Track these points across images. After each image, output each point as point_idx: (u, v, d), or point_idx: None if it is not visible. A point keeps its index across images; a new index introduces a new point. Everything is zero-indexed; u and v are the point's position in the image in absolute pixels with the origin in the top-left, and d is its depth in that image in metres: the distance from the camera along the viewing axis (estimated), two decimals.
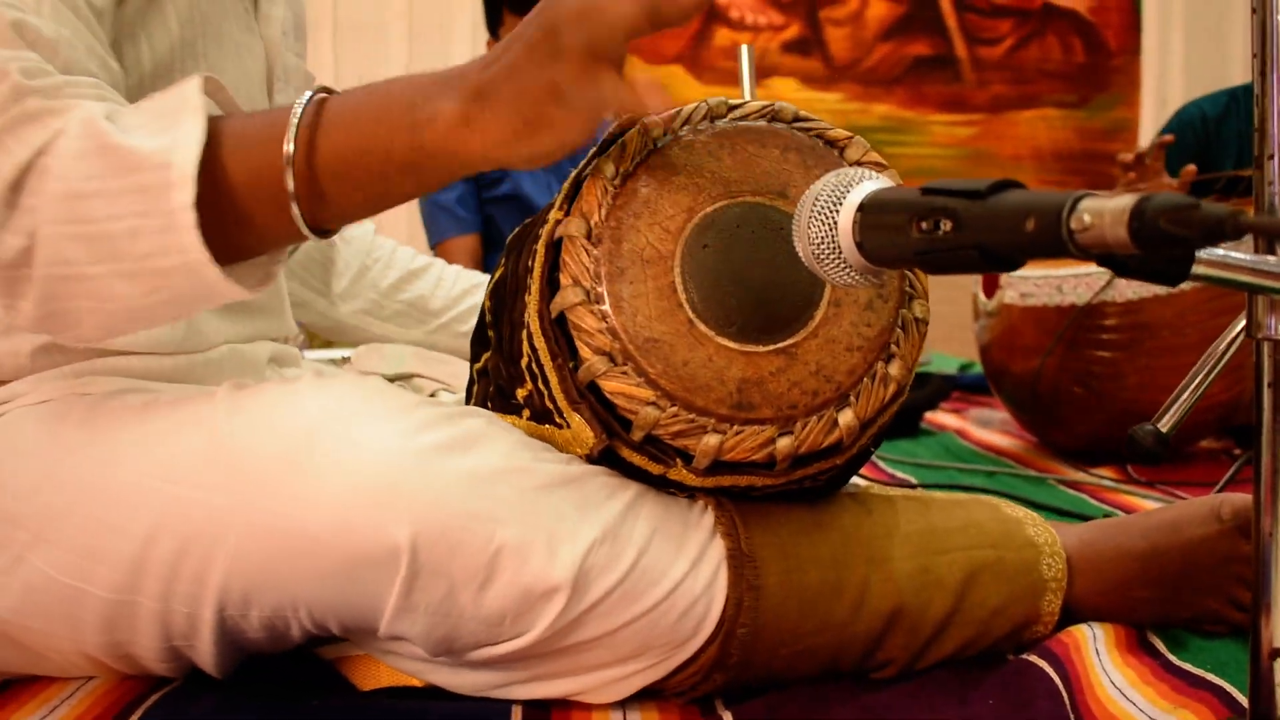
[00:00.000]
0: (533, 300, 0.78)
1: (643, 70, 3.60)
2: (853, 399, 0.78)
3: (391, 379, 1.34)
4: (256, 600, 0.77)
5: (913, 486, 1.78)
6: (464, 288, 1.51)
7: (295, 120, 0.74)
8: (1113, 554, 0.96)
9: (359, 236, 1.45)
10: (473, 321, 1.38)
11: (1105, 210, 0.49)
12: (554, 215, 0.79)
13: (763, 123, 0.81)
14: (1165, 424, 0.98)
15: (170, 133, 0.72)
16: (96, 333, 0.78)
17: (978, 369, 3.28)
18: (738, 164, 0.79)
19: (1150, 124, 3.80)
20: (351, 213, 0.78)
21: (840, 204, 0.65)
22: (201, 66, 0.99)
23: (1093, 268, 1.85)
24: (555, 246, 0.78)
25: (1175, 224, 0.48)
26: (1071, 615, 0.92)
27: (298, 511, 0.75)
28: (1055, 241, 0.52)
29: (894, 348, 0.79)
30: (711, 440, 0.75)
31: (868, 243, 0.64)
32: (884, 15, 3.70)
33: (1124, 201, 0.49)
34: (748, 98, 1.51)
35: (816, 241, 0.66)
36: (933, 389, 2.45)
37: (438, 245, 2.92)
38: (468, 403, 1.06)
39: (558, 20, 0.73)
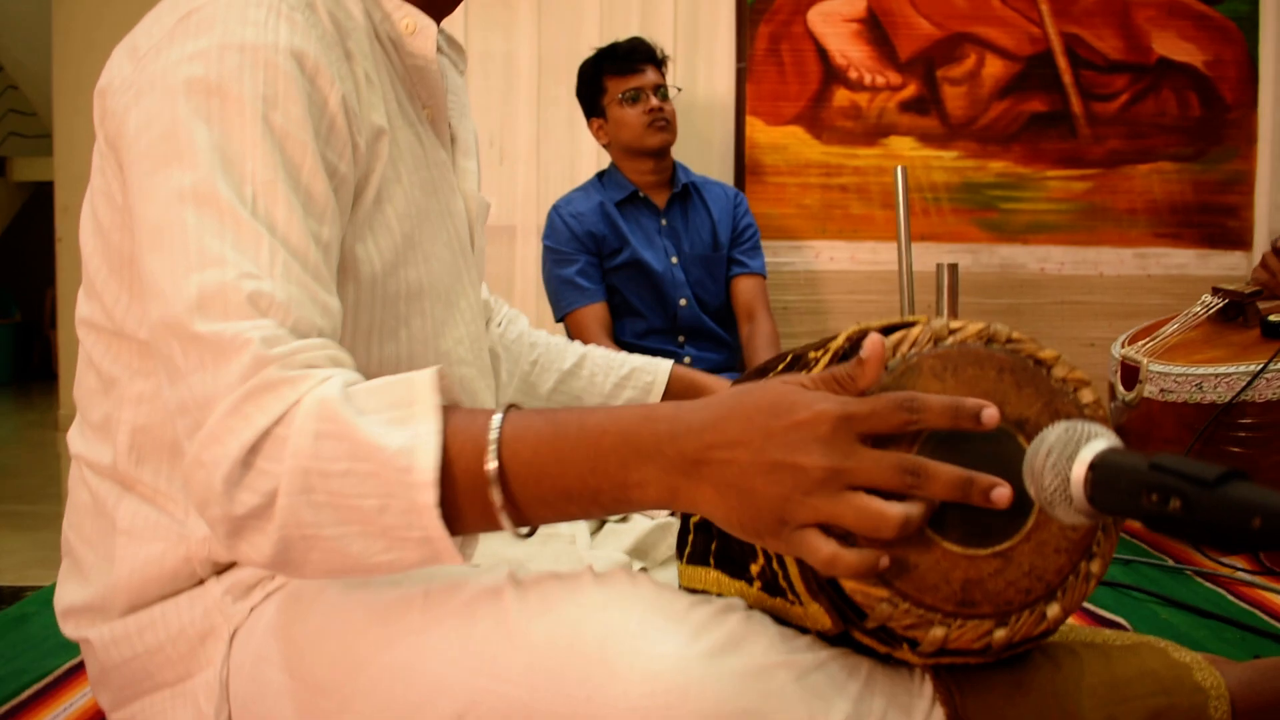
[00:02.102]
0: None
1: (764, 132, 3.70)
2: (1060, 594, 0.88)
3: None
4: None
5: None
6: (614, 382, 1.62)
7: (493, 440, 0.84)
8: (1273, 697, 1.05)
9: (516, 341, 1.57)
10: None
11: None
12: None
13: (980, 345, 0.91)
14: None
15: (408, 428, 0.82)
16: (321, 575, 0.88)
17: None
18: (960, 385, 0.89)
19: (1266, 176, 3.82)
20: (553, 520, 0.88)
21: (1073, 460, 0.75)
22: (419, 255, 1.12)
23: (1232, 367, 1.94)
24: None
25: None
26: None
27: (596, 711, 0.86)
28: (1278, 542, 0.62)
29: (1095, 548, 0.89)
30: (937, 632, 0.86)
31: (1098, 498, 0.74)
32: (1000, 73, 3.76)
33: None
34: (901, 215, 1.62)
35: (1049, 490, 0.77)
36: None
37: (566, 317, 3.06)
38: (680, 551, 1.17)
39: (801, 437, 0.79)
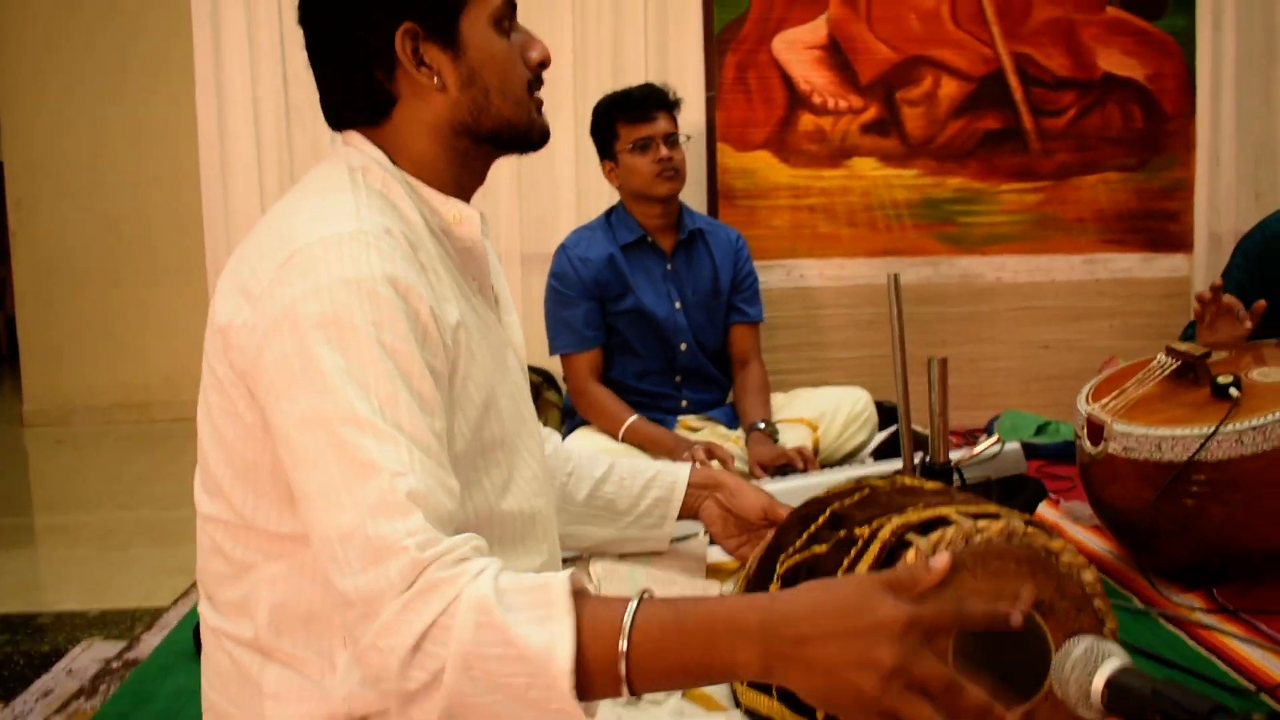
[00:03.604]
0: None
1: (734, 157, 3.87)
2: None
3: None
4: None
5: None
6: (642, 484, 1.84)
7: (628, 627, 1.02)
8: None
9: (553, 456, 1.77)
10: (656, 514, 1.74)
11: None
12: None
13: (1003, 541, 1.11)
14: None
15: (547, 628, 1.02)
16: None
17: (1055, 433, 3.57)
18: (988, 575, 1.10)
19: (1204, 182, 4.05)
20: (664, 689, 1.08)
21: (1092, 676, 0.95)
22: (493, 415, 1.33)
23: (1187, 429, 2.16)
24: None
25: None
26: None
27: None
28: None
29: None
30: None
31: (1112, 707, 0.95)
32: (955, 94, 3.96)
33: None
34: (894, 319, 1.83)
35: (1073, 697, 0.97)
36: (1030, 494, 2.71)
37: (561, 356, 3.17)
38: None
39: (880, 637, 0.96)
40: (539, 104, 1.42)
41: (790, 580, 1.26)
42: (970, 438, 3.81)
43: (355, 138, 1.35)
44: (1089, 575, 1.15)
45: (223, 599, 1.29)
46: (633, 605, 1.04)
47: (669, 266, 3.22)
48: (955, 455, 2.37)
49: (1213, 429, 2.14)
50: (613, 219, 3.24)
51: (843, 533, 1.25)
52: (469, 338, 1.28)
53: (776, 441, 3.03)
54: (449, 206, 1.34)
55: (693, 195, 3.80)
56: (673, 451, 2.88)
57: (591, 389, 3.11)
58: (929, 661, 0.98)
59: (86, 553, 3.43)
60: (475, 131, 1.35)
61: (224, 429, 1.24)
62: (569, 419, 3.30)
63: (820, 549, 1.26)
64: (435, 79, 1.32)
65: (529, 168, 3.80)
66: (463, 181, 1.39)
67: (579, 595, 1.05)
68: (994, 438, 2.50)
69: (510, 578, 1.06)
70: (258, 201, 3.74)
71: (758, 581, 1.34)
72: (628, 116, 3.12)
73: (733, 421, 3.24)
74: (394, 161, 1.33)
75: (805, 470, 2.85)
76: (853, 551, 1.16)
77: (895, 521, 1.18)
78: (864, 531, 1.20)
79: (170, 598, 2.85)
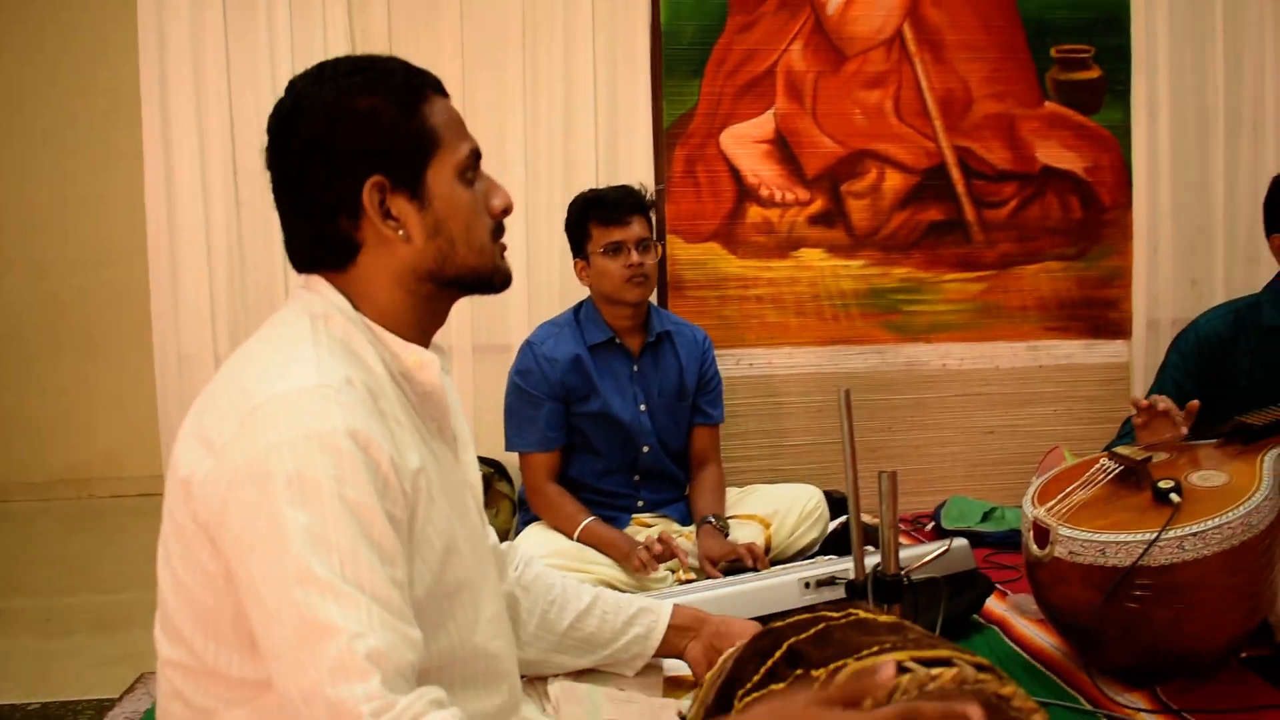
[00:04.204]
0: None
1: (684, 249, 3.93)
2: None
3: None
4: None
5: None
6: (624, 621, 1.86)
7: None
8: None
9: (535, 581, 1.79)
10: (634, 650, 1.76)
11: None
12: None
13: (955, 688, 1.14)
14: None
15: None
16: None
17: (1001, 519, 3.63)
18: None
19: (1142, 270, 4.16)
20: None
21: None
22: (454, 559, 1.36)
23: (1130, 535, 2.22)
24: None
25: None
26: None
27: None
28: None
29: None
30: None
31: None
32: (899, 186, 4.06)
33: None
34: (845, 434, 1.87)
35: None
36: (979, 591, 2.76)
37: (520, 454, 3.15)
38: None
39: None
40: (503, 249, 1.46)
41: None
42: (918, 524, 3.87)
43: (318, 283, 1.38)
44: (1039, 719, 1.19)
45: None
46: None
47: (635, 368, 3.22)
48: (907, 554, 2.42)
49: (1155, 534, 2.20)
50: (581, 317, 3.21)
51: (800, 671, 1.28)
52: (429, 484, 1.31)
53: (727, 536, 3.06)
54: (409, 352, 1.37)
55: None
56: (626, 557, 2.90)
57: (548, 488, 3.10)
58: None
59: (25, 641, 3.36)
60: (439, 278, 1.39)
61: (184, 576, 1.26)
62: (522, 512, 3.31)
63: (778, 686, 1.29)
64: (401, 230, 1.35)
65: None
66: (424, 325, 1.42)
67: None
68: (941, 545, 2.55)
69: None
70: (206, 287, 3.74)
71: (716, 714, 1.36)
72: (601, 218, 3.11)
73: (686, 519, 3.26)
74: (356, 307, 1.36)
75: (755, 568, 2.88)
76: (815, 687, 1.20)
77: (852, 667, 1.21)
78: (821, 674, 1.23)
79: (117, 688, 2.81)
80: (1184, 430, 2.62)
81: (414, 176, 1.36)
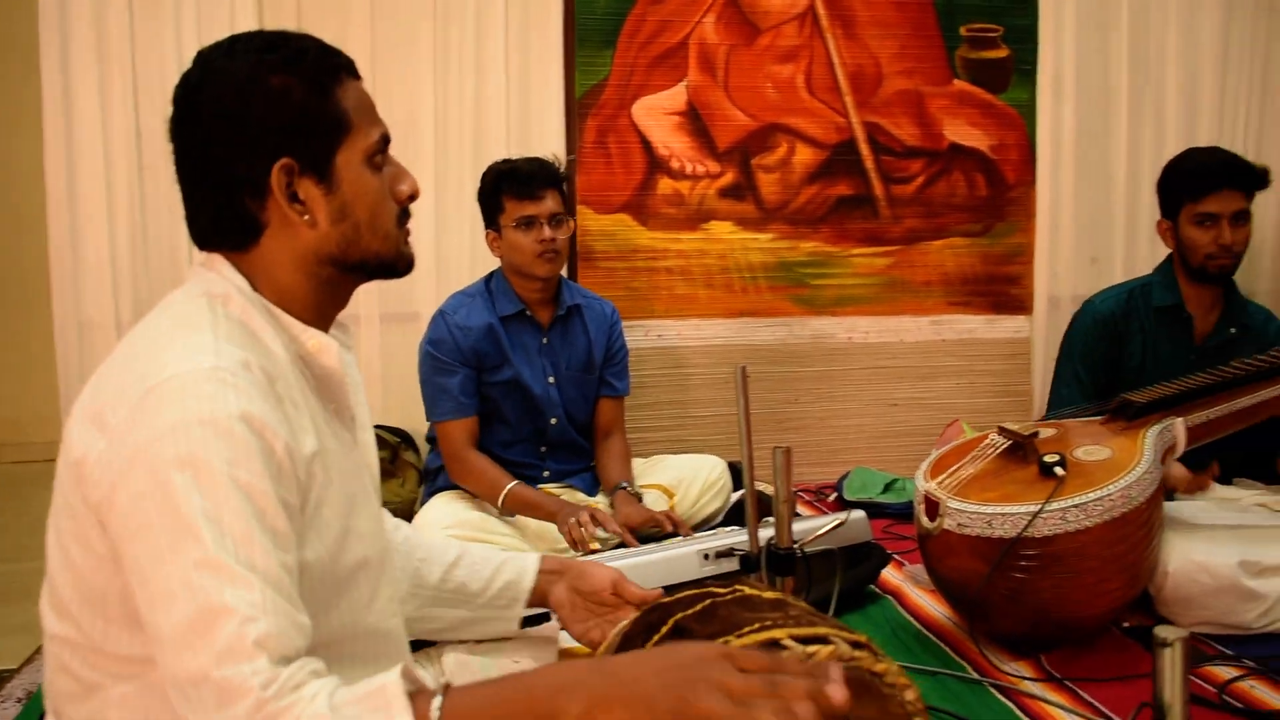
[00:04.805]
0: None
1: (594, 220, 3.94)
2: None
3: None
4: None
5: None
6: (493, 569, 1.86)
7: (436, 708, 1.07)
8: None
9: (404, 543, 1.80)
10: (508, 596, 1.79)
11: None
12: None
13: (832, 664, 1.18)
14: None
15: None
16: None
17: (903, 491, 3.72)
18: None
19: (1044, 248, 4.26)
20: None
21: None
22: (351, 539, 1.38)
23: (1015, 507, 2.31)
24: None
25: None
26: None
27: None
28: None
29: None
30: None
31: None
32: (809, 161, 4.11)
33: None
34: (741, 411, 1.91)
35: None
36: (875, 562, 2.83)
37: (438, 424, 3.15)
38: None
39: (707, 664, 1.05)
40: (407, 234, 1.46)
41: None
42: (821, 495, 3.94)
43: (218, 262, 1.37)
44: (911, 695, 1.23)
45: (70, 717, 1.31)
46: (438, 699, 1.09)
47: (545, 340, 3.24)
48: (803, 527, 2.48)
49: (1039, 506, 2.29)
50: (493, 288, 3.22)
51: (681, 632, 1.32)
52: (326, 467, 1.32)
53: (641, 502, 3.10)
54: (309, 336, 1.37)
55: None
56: (554, 515, 2.93)
57: (469, 456, 3.10)
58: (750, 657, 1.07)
59: None
60: (342, 263, 1.39)
61: (74, 555, 1.26)
62: (428, 482, 3.32)
63: None
64: (307, 214, 1.35)
65: None
66: (325, 309, 1.42)
67: (414, 694, 1.10)
68: (837, 518, 2.61)
69: (345, 692, 1.11)
70: (108, 253, 3.68)
71: None
72: (515, 191, 3.09)
73: (592, 488, 3.29)
74: (256, 288, 1.36)
75: (676, 532, 2.93)
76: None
77: (733, 644, 1.25)
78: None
79: (15, 659, 2.78)
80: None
81: (323, 160, 1.35)
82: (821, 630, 1.27)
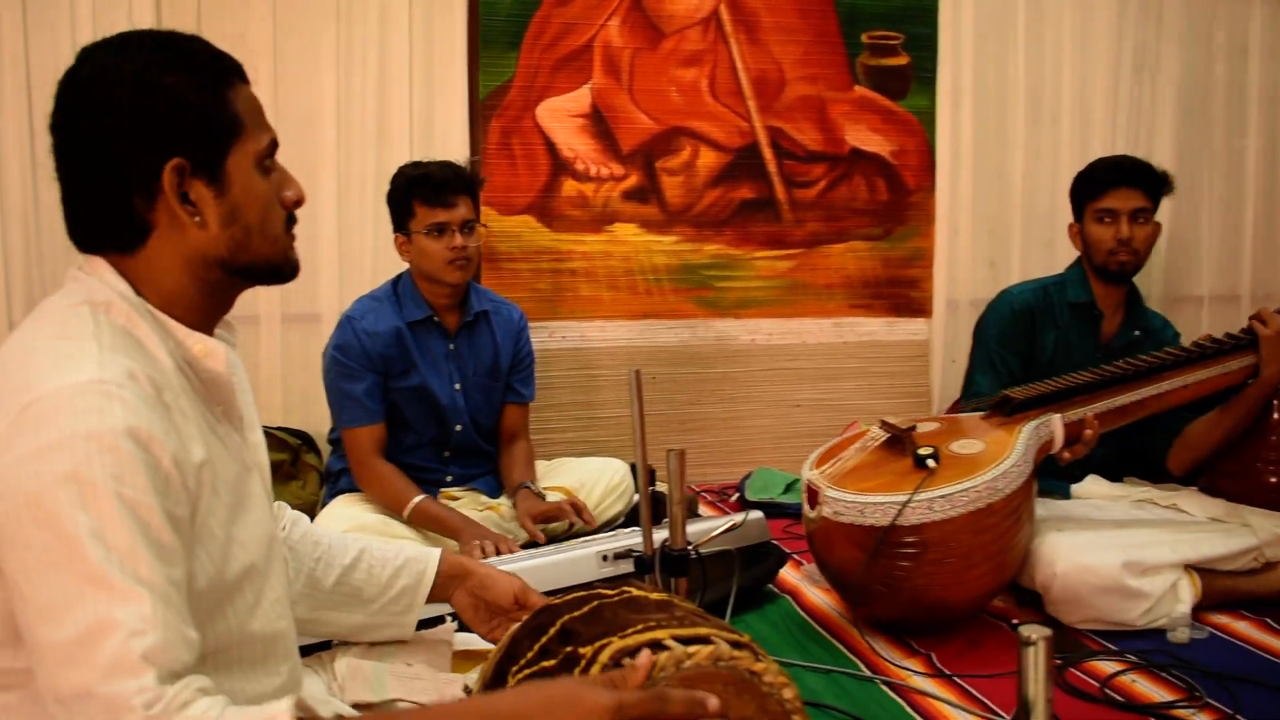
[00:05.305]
0: None
1: (498, 221, 3.95)
2: None
3: (376, 704, 1.70)
4: None
5: None
6: (390, 572, 1.86)
7: None
8: None
9: (301, 541, 1.80)
10: (404, 602, 1.79)
11: None
12: None
13: (710, 665, 1.21)
14: None
15: None
16: None
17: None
18: None
19: (944, 251, 4.35)
20: None
21: None
22: (237, 547, 1.37)
23: (885, 496, 2.39)
24: None
25: None
26: None
27: None
28: None
29: None
30: None
31: None
32: (712, 164, 4.15)
33: None
34: (635, 413, 1.94)
35: None
36: (772, 562, 2.87)
37: (344, 430, 3.12)
38: None
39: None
40: (293, 240, 1.46)
41: None
42: (724, 495, 3.99)
43: (99, 265, 1.34)
44: (789, 693, 1.27)
45: None
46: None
47: (451, 347, 3.21)
48: (699, 529, 2.51)
49: (908, 497, 2.37)
50: (400, 292, 3.18)
51: (570, 649, 1.33)
52: (214, 475, 1.31)
53: (544, 499, 3.11)
54: (195, 340, 1.36)
55: None
56: (459, 534, 2.89)
57: (376, 464, 3.07)
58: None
59: None
60: (230, 266, 1.38)
61: None
62: (329, 484, 3.29)
63: (549, 663, 1.34)
64: (197, 216, 1.34)
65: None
66: (210, 312, 1.42)
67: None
68: (733, 519, 2.65)
69: (234, 713, 1.11)
70: (0, 254, 3.62)
71: (492, 689, 1.41)
72: (427, 197, 3.05)
73: (495, 491, 3.29)
74: (140, 292, 1.34)
75: (581, 517, 2.99)
76: (576, 671, 1.25)
77: (615, 645, 1.27)
78: (588, 651, 1.29)
79: None
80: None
81: (215, 162, 1.35)
82: (703, 631, 1.29)
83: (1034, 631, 1.04)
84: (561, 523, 3.02)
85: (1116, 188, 3.11)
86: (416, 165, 3.15)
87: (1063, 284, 3.24)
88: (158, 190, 1.32)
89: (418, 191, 3.06)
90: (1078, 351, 3.18)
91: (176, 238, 1.35)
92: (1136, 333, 3.21)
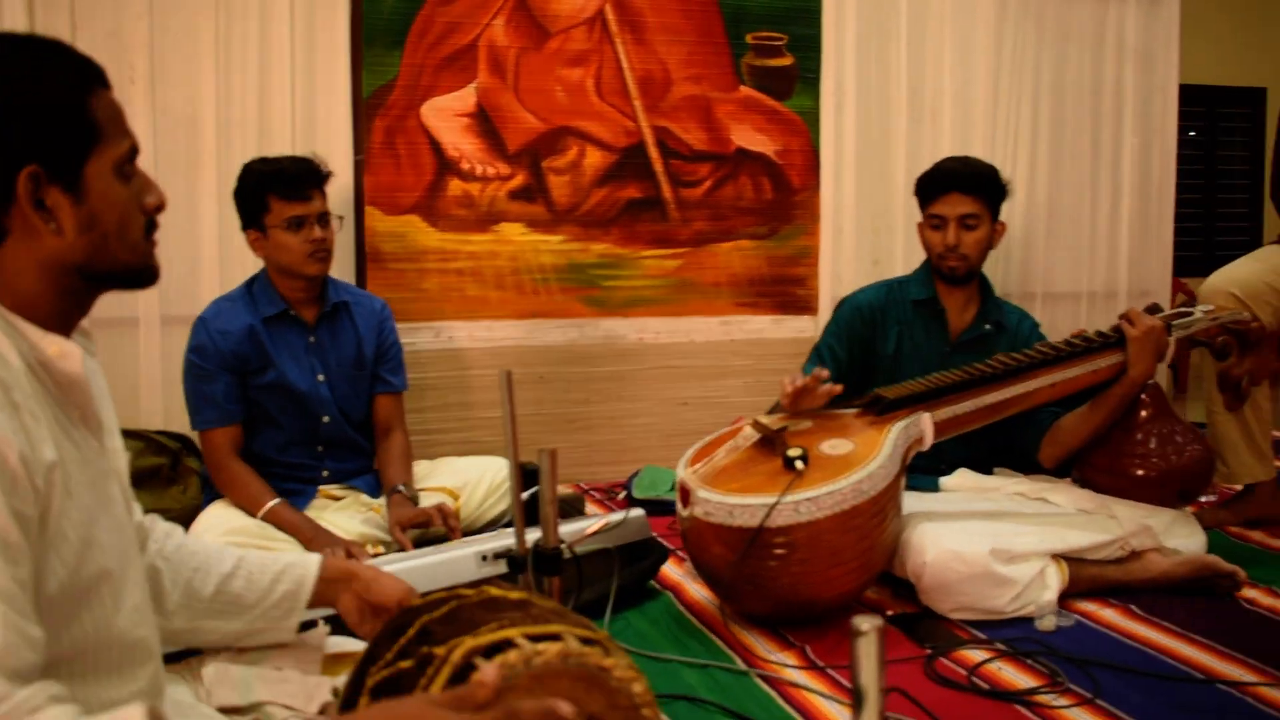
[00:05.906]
0: None
1: (382, 220, 3.94)
2: None
3: (244, 708, 1.70)
4: None
5: None
6: (270, 578, 1.86)
7: None
8: None
9: (176, 552, 1.79)
10: (285, 607, 1.79)
11: None
12: None
13: (559, 662, 1.24)
14: None
15: None
16: None
17: None
18: (546, 695, 1.21)
19: (828, 250, 4.43)
20: None
21: None
22: (93, 551, 1.37)
23: (753, 498, 2.44)
24: None
25: None
26: None
27: None
28: None
29: None
30: None
31: None
32: (599, 164, 4.18)
33: None
34: (507, 415, 1.95)
35: None
36: (654, 559, 2.91)
37: (201, 432, 3.12)
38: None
39: None
40: (154, 245, 1.46)
41: (377, 695, 1.35)
42: (611, 493, 4.02)
43: None
44: (639, 687, 1.29)
45: None
46: None
47: (311, 339, 3.21)
48: (576, 527, 2.54)
49: (775, 500, 2.43)
50: (254, 290, 3.19)
51: (425, 649, 1.34)
52: (66, 477, 1.31)
53: (417, 504, 3.11)
54: (49, 342, 1.35)
55: (340, 258, 3.80)
56: (311, 542, 2.88)
57: (232, 465, 3.07)
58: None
59: None
60: (87, 272, 1.37)
61: None
62: (208, 489, 3.26)
63: (406, 664, 1.35)
64: (53, 223, 1.33)
65: (170, 229, 3.69)
66: (67, 316, 1.40)
67: None
68: (610, 518, 2.68)
69: None
70: None
71: (349, 694, 1.42)
72: (282, 192, 3.06)
73: (375, 490, 3.28)
74: None
75: (447, 524, 2.98)
76: (429, 670, 1.27)
77: (467, 644, 1.29)
78: (441, 651, 1.30)
79: None
80: (820, 403, 2.84)
81: (72, 169, 1.34)
82: (555, 628, 1.31)
83: (865, 623, 1.08)
84: (436, 526, 3.03)
85: (946, 193, 3.23)
86: (266, 161, 3.17)
87: (907, 282, 3.36)
88: (12, 197, 1.31)
89: (272, 186, 3.07)
90: (925, 347, 3.28)
91: (31, 243, 1.33)
92: (987, 327, 3.31)
